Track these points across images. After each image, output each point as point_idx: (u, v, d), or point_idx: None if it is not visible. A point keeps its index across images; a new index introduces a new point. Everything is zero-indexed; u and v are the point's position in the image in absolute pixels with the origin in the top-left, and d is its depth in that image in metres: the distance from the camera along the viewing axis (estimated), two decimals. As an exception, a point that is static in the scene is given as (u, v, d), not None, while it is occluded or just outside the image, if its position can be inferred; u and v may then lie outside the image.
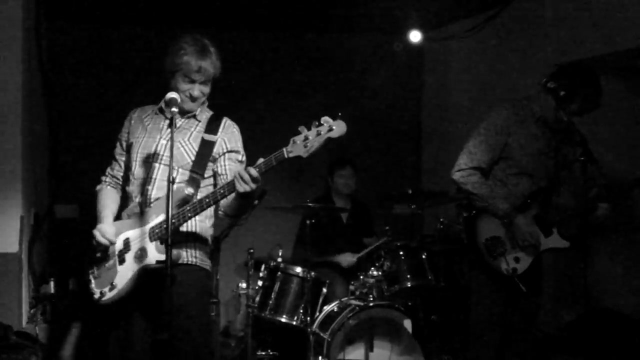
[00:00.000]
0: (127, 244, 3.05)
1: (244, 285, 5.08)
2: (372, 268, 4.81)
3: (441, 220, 5.29)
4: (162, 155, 3.07)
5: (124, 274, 3.02)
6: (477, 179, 3.69)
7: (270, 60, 6.45)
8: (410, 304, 4.94)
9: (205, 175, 3.11)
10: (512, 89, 5.45)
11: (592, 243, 5.07)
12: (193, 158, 3.08)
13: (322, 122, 2.71)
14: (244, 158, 3.18)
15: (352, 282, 4.88)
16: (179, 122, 3.14)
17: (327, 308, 4.65)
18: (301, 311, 4.64)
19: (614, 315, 4.67)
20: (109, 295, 3.05)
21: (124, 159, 3.25)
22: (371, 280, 4.73)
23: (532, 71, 5.20)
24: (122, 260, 3.05)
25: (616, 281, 5.22)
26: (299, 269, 4.73)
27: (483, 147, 3.70)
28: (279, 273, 4.75)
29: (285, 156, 2.74)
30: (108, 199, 3.22)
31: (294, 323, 4.64)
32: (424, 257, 4.89)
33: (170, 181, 2.80)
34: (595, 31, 4.86)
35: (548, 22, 5.31)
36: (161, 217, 2.96)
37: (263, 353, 4.99)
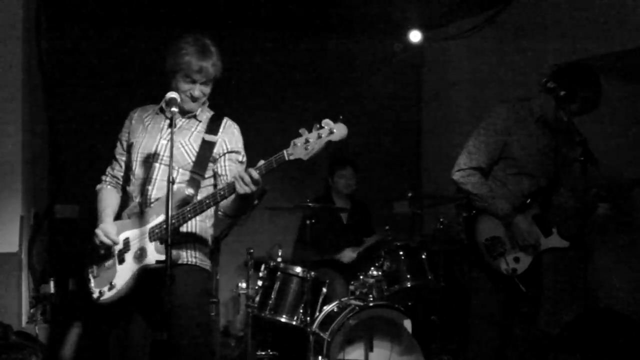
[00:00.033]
0: (126, 243, 3.06)
1: (243, 285, 5.09)
2: (372, 268, 4.82)
3: (441, 220, 5.29)
4: (163, 156, 3.07)
5: (124, 273, 3.02)
6: (477, 179, 3.69)
7: (270, 60, 6.45)
8: (410, 304, 4.94)
9: (206, 176, 3.11)
10: (512, 89, 5.45)
11: (592, 243, 5.07)
12: (194, 158, 3.08)
13: (323, 124, 2.71)
14: (245, 158, 3.18)
15: (352, 282, 4.87)
16: (180, 122, 3.14)
17: (327, 308, 4.65)
18: (301, 311, 4.64)
19: (613, 315, 4.66)
20: (108, 294, 3.05)
21: (124, 158, 3.25)
22: (371, 280, 4.73)
23: (532, 71, 5.20)
24: (121, 260, 3.05)
25: (616, 281, 5.21)
26: (298, 269, 4.73)
27: (483, 147, 3.70)
28: (279, 273, 4.75)
29: (286, 158, 2.74)
30: (108, 198, 3.22)
31: (294, 323, 4.64)
32: (424, 257, 4.90)
33: (170, 181, 2.80)
34: (595, 31, 4.86)
35: (548, 22, 5.31)
36: (161, 218, 2.96)
37: (263, 353, 4.99)
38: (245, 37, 6.25)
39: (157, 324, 3.05)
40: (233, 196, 2.88)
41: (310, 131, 2.72)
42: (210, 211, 3.11)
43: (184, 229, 3.03)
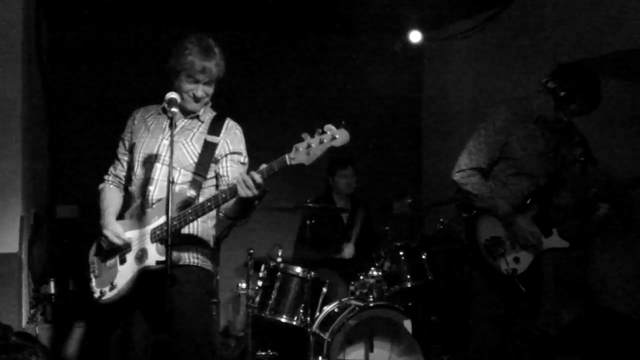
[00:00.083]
0: (128, 244, 3.05)
1: (243, 285, 5.08)
2: (372, 268, 4.82)
3: (441, 220, 5.29)
4: (164, 156, 3.06)
5: (125, 274, 3.02)
6: (478, 179, 3.69)
7: (270, 60, 6.45)
8: (410, 304, 4.94)
9: (208, 177, 3.11)
10: (512, 89, 5.45)
11: (592, 243, 5.07)
12: (195, 159, 3.07)
13: (325, 130, 2.71)
14: (246, 160, 3.18)
15: (352, 283, 4.87)
16: (182, 122, 3.14)
17: (327, 308, 4.65)
18: (301, 311, 4.64)
19: (614, 315, 4.67)
20: (109, 294, 3.05)
21: (126, 159, 3.24)
22: (371, 281, 4.73)
23: (532, 71, 5.20)
24: (123, 260, 3.05)
25: (616, 281, 5.22)
26: (298, 269, 4.73)
27: (483, 147, 3.70)
28: (279, 273, 4.75)
29: (288, 163, 2.75)
30: (111, 198, 3.22)
31: (294, 323, 4.64)
32: (424, 257, 4.90)
33: (170, 181, 2.79)
34: (595, 31, 4.86)
35: (548, 22, 5.31)
36: (163, 219, 2.95)
37: (263, 353, 4.99)
38: (245, 38, 6.26)
39: (159, 325, 3.04)
40: (235, 199, 2.88)
41: (312, 136, 2.72)
42: (212, 212, 3.11)
43: (185, 230, 3.02)
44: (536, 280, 3.79)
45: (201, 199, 3.01)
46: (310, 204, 4.88)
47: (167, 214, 2.79)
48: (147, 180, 3.07)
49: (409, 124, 6.97)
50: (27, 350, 3.97)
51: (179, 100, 2.95)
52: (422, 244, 5.15)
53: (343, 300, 4.69)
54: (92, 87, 5.97)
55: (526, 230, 3.64)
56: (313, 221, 4.92)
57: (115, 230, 3.05)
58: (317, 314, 4.66)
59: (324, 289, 4.75)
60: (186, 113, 3.13)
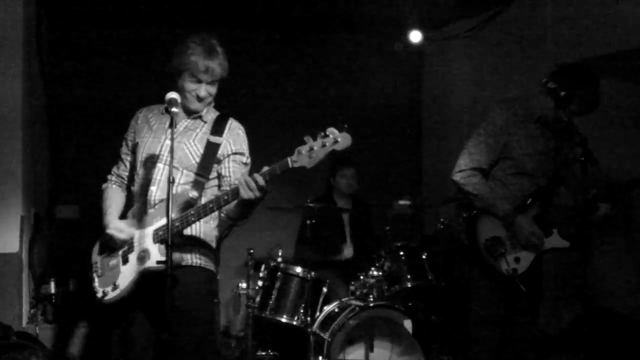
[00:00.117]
0: (130, 244, 3.05)
1: (244, 285, 5.08)
2: (373, 268, 4.82)
3: (441, 220, 5.29)
4: (166, 156, 3.05)
5: (127, 274, 3.02)
6: (478, 179, 3.69)
7: (270, 60, 6.45)
8: (410, 304, 4.94)
9: (210, 177, 3.10)
10: (512, 89, 5.45)
11: (592, 243, 5.07)
12: (198, 160, 3.07)
13: (327, 133, 2.71)
14: (249, 160, 3.17)
15: (352, 283, 4.87)
16: (185, 122, 3.14)
17: (327, 308, 4.65)
18: (301, 311, 4.64)
19: (614, 315, 4.67)
20: (112, 295, 3.04)
21: (129, 158, 3.24)
22: (371, 281, 4.73)
23: (532, 71, 5.20)
24: (125, 261, 3.05)
25: (616, 281, 5.22)
26: (299, 269, 4.73)
27: (483, 147, 3.70)
28: (279, 273, 4.75)
29: (290, 166, 2.75)
30: (114, 197, 3.22)
31: (294, 323, 4.64)
32: (424, 257, 4.90)
33: (170, 181, 2.79)
34: (595, 31, 4.86)
35: (548, 22, 5.31)
36: (165, 219, 2.95)
37: (263, 353, 4.99)
38: (245, 37, 6.26)
39: (161, 325, 3.04)
40: (236, 200, 2.87)
41: (314, 139, 2.72)
42: (214, 213, 3.11)
43: (188, 231, 3.02)
44: (536, 280, 3.79)
45: (203, 200, 3.01)
46: (310, 204, 4.88)
47: (167, 213, 2.79)
48: (149, 181, 3.06)
49: (409, 124, 6.97)
50: (28, 350, 3.96)
51: (179, 100, 2.94)
52: (422, 244, 5.16)
53: (343, 300, 4.69)
54: (92, 87, 5.97)
55: (527, 230, 3.64)
56: (313, 221, 4.92)
57: (119, 226, 3.05)
58: (318, 314, 4.65)
59: (324, 289, 4.75)
60: (189, 113, 3.13)
